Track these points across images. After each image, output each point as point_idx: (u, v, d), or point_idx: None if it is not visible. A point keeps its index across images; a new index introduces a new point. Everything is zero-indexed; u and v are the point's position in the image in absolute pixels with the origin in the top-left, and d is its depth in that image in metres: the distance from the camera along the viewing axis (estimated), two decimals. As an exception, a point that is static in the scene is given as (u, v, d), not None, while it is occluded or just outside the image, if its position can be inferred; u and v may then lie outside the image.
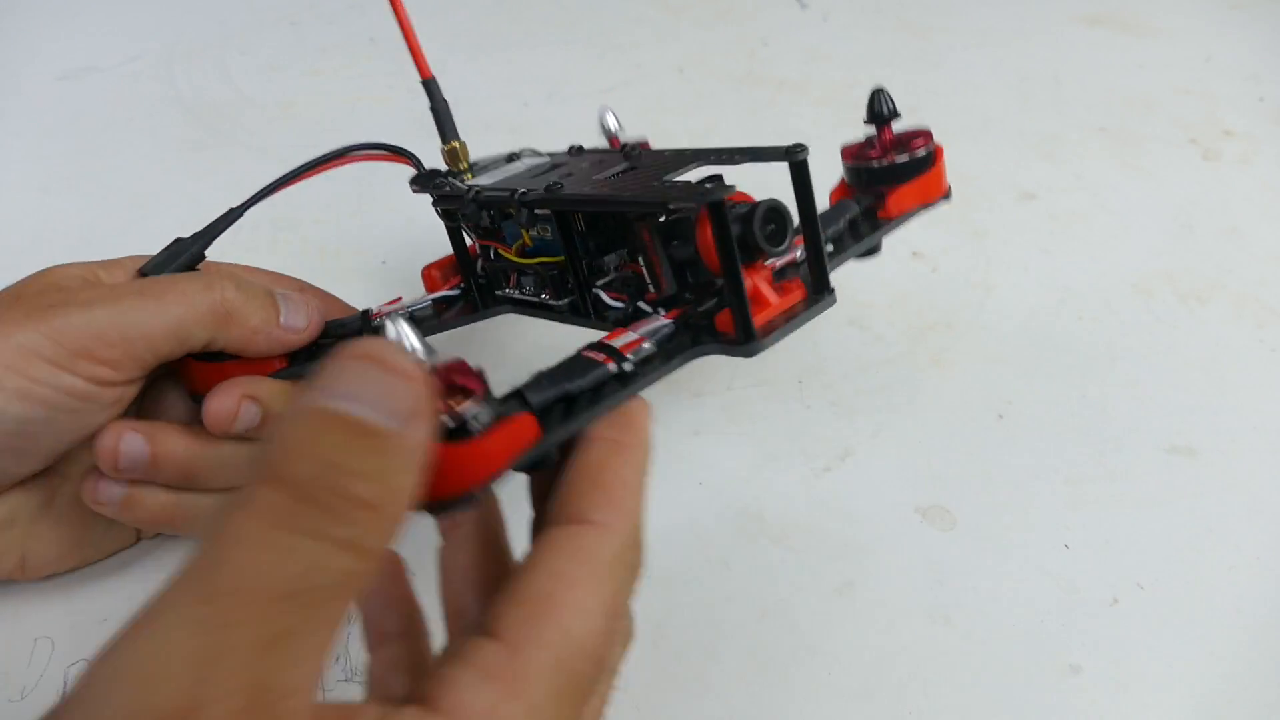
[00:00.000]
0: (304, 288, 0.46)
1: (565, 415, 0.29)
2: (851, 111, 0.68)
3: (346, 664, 0.46)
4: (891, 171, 0.41)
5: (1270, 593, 0.46)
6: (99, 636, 0.42)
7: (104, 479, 0.39)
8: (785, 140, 0.32)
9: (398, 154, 0.44)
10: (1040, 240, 0.60)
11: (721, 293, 0.34)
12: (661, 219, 0.34)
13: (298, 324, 0.41)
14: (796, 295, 0.34)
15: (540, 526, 0.29)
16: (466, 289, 0.44)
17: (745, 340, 0.32)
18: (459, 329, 0.45)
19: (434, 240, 0.44)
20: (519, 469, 0.27)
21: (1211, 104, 0.66)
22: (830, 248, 0.38)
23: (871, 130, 0.41)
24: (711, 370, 0.53)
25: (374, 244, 0.60)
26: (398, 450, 0.22)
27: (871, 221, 0.41)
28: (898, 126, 0.42)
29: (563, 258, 0.38)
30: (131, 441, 0.37)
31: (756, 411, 0.51)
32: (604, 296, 0.38)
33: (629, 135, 0.43)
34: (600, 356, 0.31)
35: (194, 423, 0.39)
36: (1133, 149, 0.64)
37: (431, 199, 0.43)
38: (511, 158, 0.45)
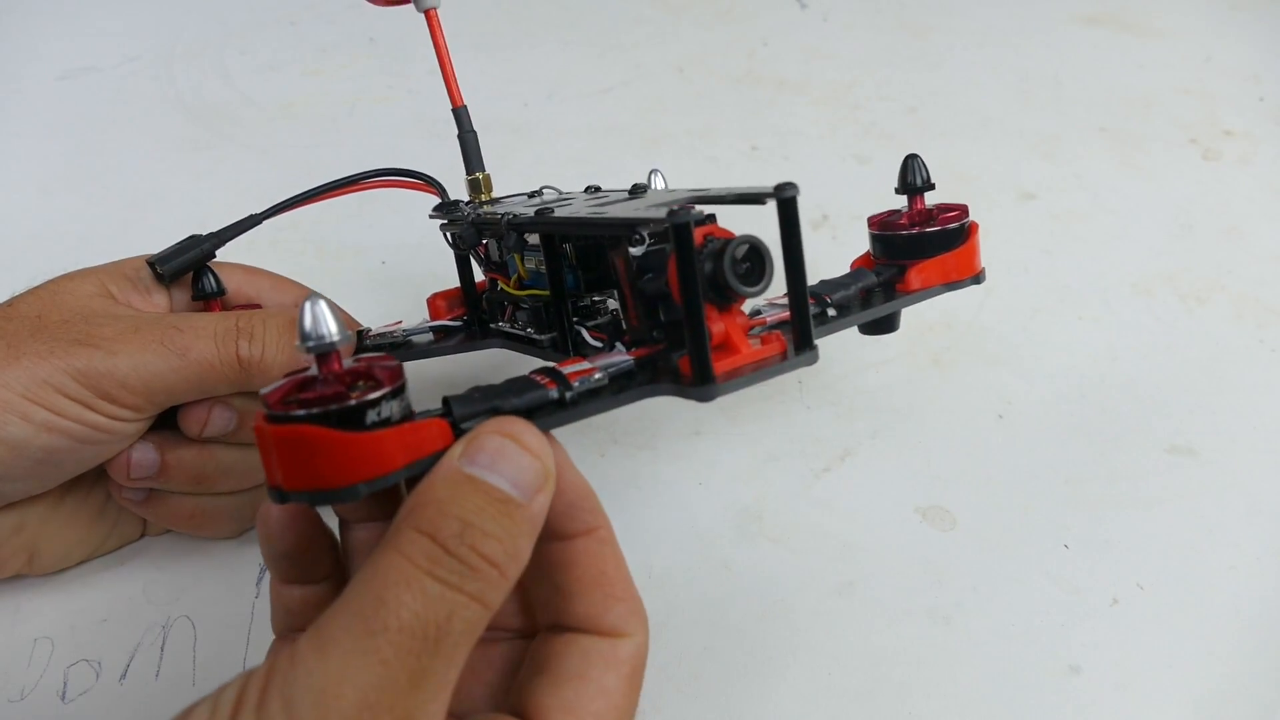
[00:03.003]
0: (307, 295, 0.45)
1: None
2: (851, 111, 0.68)
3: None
4: (916, 243, 0.38)
5: (1270, 593, 0.46)
6: (98, 637, 0.42)
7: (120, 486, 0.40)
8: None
9: (426, 183, 0.43)
10: (1040, 240, 0.60)
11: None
12: (637, 250, 0.32)
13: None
14: (774, 348, 0.31)
15: (554, 624, 0.30)
16: (469, 320, 0.44)
17: (699, 382, 0.29)
18: (482, 367, 0.44)
19: (433, 243, 0.44)
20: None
21: (1211, 104, 0.66)
22: (833, 312, 0.36)
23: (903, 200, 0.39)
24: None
25: (374, 244, 0.60)
26: (524, 518, 0.26)
27: (888, 294, 0.38)
28: (933, 199, 0.39)
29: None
30: (143, 450, 0.39)
31: (757, 412, 0.51)
32: (586, 335, 0.36)
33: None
34: (545, 380, 0.29)
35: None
36: (1133, 149, 0.64)
37: (440, 225, 0.42)
38: (534, 194, 0.44)
